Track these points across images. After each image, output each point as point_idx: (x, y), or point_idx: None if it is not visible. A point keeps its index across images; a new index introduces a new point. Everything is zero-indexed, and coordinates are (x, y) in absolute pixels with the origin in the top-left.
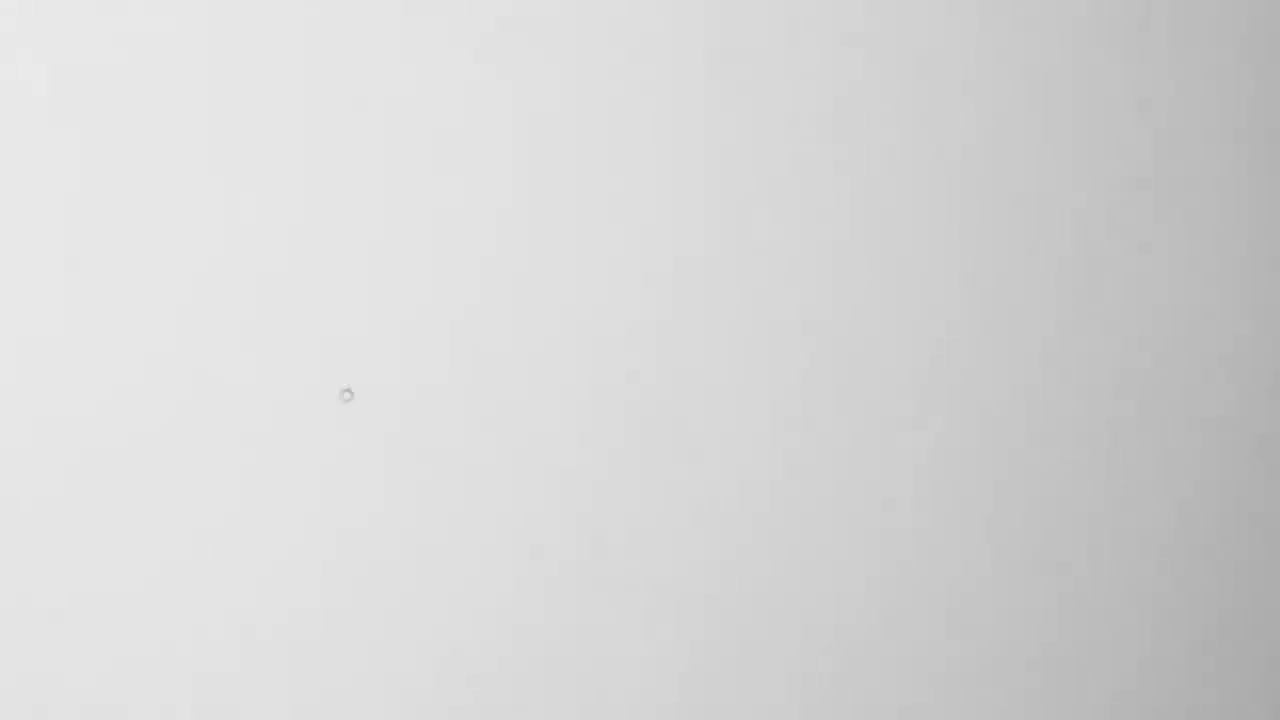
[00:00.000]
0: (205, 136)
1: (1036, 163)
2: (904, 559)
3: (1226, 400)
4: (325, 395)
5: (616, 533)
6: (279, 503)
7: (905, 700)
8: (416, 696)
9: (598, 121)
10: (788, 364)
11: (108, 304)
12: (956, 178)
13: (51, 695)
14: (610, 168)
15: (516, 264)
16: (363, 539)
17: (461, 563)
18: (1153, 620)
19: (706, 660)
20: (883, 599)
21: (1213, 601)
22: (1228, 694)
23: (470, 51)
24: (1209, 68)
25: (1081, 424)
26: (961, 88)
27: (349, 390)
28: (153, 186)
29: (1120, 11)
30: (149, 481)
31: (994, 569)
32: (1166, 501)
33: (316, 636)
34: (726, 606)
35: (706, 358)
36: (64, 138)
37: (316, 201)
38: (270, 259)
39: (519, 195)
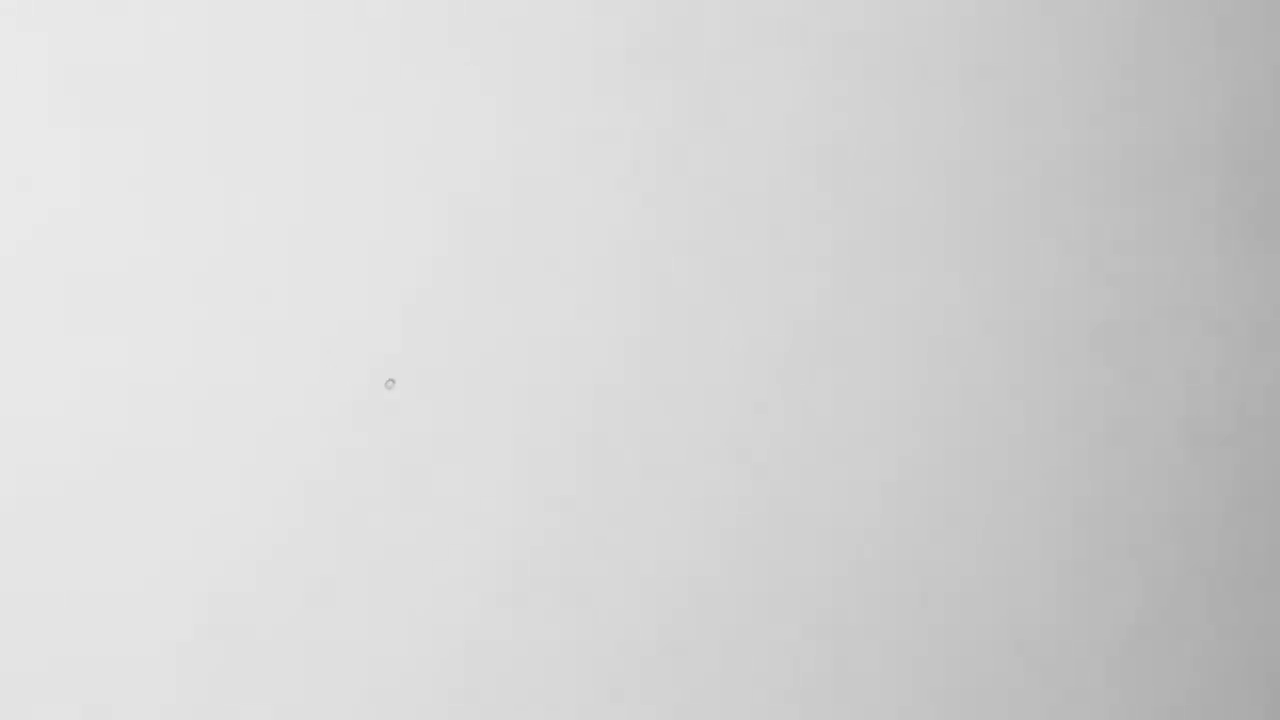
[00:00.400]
0: (205, 137)
1: (1036, 163)
2: (904, 558)
3: (1226, 401)
4: (325, 396)
5: (616, 527)
6: (278, 503)
7: (905, 701)
8: (416, 696)
9: (598, 121)
10: (787, 364)
11: (108, 304)
12: (957, 178)
13: (51, 695)
14: (611, 167)
15: (515, 266)
16: (363, 539)
17: (462, 562)
18: (1152, 621)
19: (707, 660)
20: (883, 598)
21: (1213, 601)
22: (1228, 694)
23: (470, 51)
24: (1210, 67)
25: (1081, 424)
26: (962, 88)
27: (392, 380)
28: (153, 186)
29: (1120, 12)
30: (149, 481)
31: (994, 569)
32: (1166, 501)
33: (317, 636)
34: (727, 605)
35: (706, 358)
36: (64, 138)
37: (317, 201)
38: (270, 259)
39: (518, 195)
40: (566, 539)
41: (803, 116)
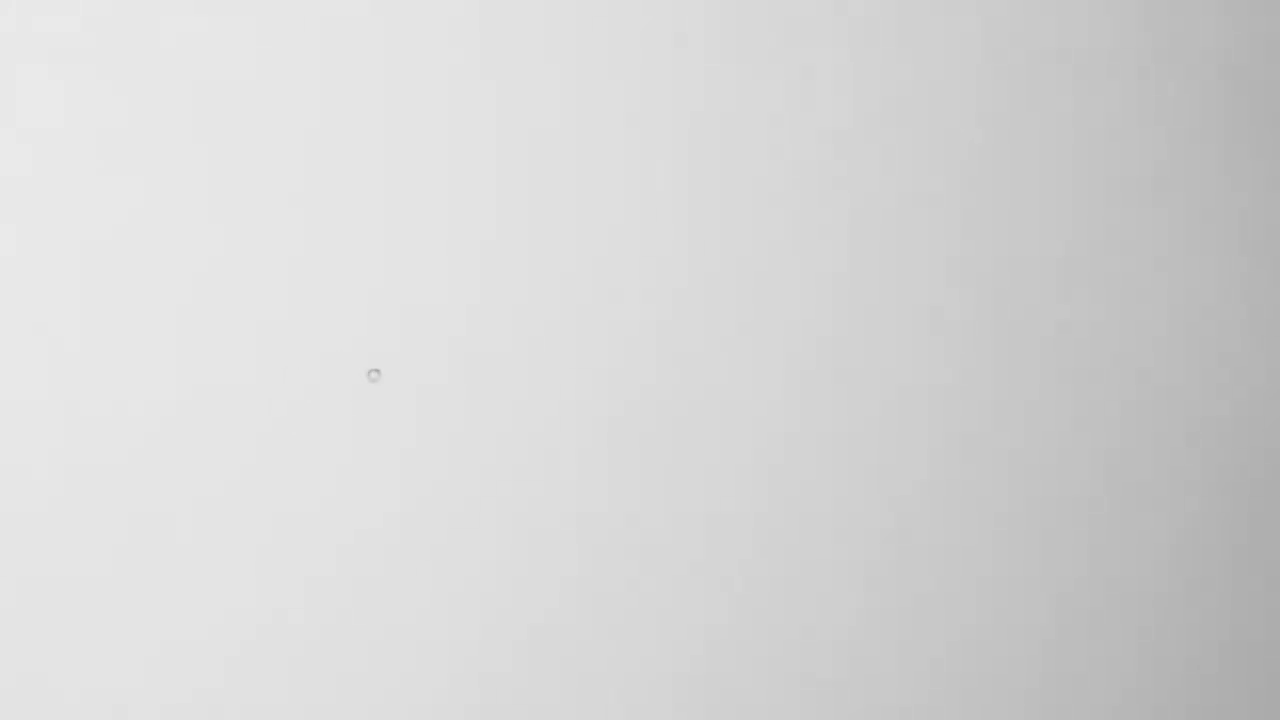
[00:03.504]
0: (205, 137)
1: (1037, 163)
2: (903, 559)
3: (1227, 400)
4: (325, 399)
5: (621, 532)
6: (278, 503)
7: (905, 701)
8: (420, 697)
9: (598, 121)
10: (786, 366)
11: (112, 305)
12: (957, 178)
13: (51, 695)
14: (612, 168)
15: (516, 265)
16: (365, 541)
17: (463, 563)
18: (1154, 620)
19: (707, 661)
20: (883, 599)
21: (1212, 602)
22: (1228, 694)
23: (468, 51)
24: (1209, 66)
25: (1082, 424)
26: (964, 88)
27: (377, 370)
28: (154, 186)
29: (1121, 13)
30: (151, 481)
31: (993, 570)
32: (1167, 502)
33: (318, 636)
34: (728, 607)
35: (706, 359)
36: (67, 139)
37: (320, 197)
38: (272, 258)
39: (518, 196)
40: (565, 545)
41: (803, 115)
